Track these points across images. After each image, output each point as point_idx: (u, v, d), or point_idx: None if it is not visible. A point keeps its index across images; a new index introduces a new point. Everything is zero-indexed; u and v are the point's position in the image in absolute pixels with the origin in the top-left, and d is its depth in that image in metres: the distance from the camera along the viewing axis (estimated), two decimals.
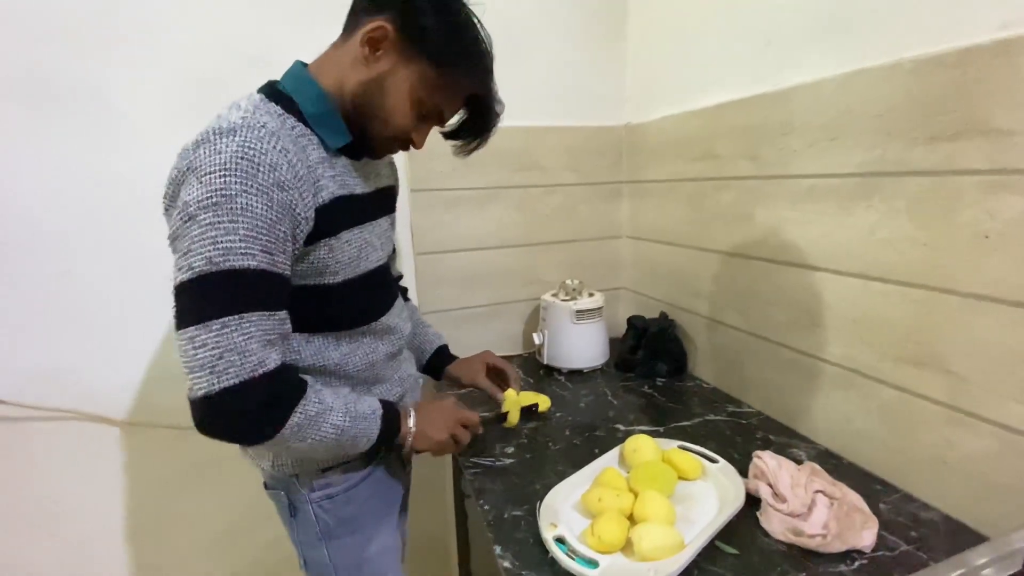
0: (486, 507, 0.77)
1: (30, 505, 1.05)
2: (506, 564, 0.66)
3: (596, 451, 0.89)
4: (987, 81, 0.63)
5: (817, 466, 0.78)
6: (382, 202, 0.81)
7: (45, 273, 0.99)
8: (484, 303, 1.36)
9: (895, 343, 0.76)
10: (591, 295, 1.28)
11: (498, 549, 0.69)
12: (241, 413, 0.58)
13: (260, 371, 0.58)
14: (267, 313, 0.59)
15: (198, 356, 0.56)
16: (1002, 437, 0.65)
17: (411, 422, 0.76)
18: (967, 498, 0.70)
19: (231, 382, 0.56)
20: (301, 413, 0.62)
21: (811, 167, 0.86)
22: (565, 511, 0.74)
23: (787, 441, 0.91)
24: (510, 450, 0.93)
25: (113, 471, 1.10)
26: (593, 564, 0.63)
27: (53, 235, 0.98)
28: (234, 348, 0.56)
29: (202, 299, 0.56)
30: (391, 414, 0.73)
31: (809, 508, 0.70)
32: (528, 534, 0.71)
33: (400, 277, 1.02)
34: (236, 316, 0.56)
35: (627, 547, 0.67)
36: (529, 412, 1.01)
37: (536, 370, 1.29)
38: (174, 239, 0.59)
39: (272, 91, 0.67)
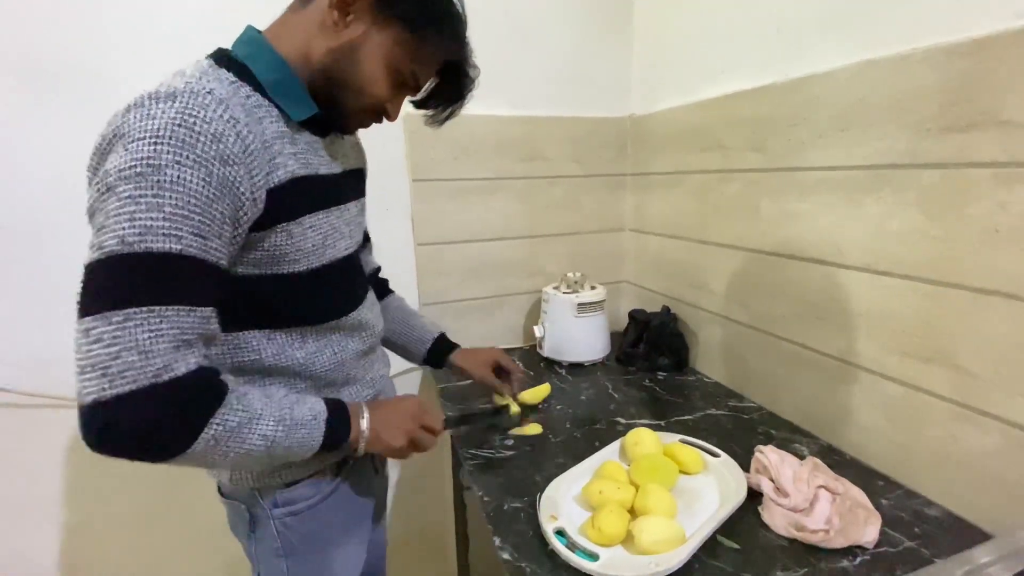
0: (486, 499, 0.77)
1: (30, 492, 1.05)
2: (505, 556, 0.65)
3: (597, 444, 0.88)
4: (1002, 71, 0.61)
5: (820, 461, 0.77)
6: (351, 185, 0.75)
7: (44, 260, 0.98)
8: (485, 295, 1.35)
9: (902, 338, 0.75)
10: (593, 288, 1.27)
11: (497, 540, 0.68)
12: (137, 427, 0.48)
13: (165, 376, 0.48)
14: (186, 308, 0.50)
15: (91, 353, 0.47)
16: (1009, 434, 0.64)
17: (364, 424, 0.66)
18: (972, 495, 0.69)
19: (125, 388, 0.47)
20: (219, 425, 0.52)
21: (820, 159, 0.84)
22: (565, 503, 0.74)
23: (789, 436, 0.91)
24: (510, 442, 0.92)
25: (113, 460, 1.09)
26: (593, 557, 0.63)
27: (53, 221, 0.97)
28: (135, 347, 0.47)
29: (105, 285, 0.48)
30: (337, 417, 0.64)
31: (811, 503, 0.70)
32: (528, 526, 0.70)
33: (378, 270, 0.99)
34: (144, 309, 0.48)
35: (628, 540, 0.66)
36: (527, 408, 1.01)
37: (536, 363, 1.28)
38: (91, 214, 0.51)
39: (222, 57, 0.59)
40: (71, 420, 1.04)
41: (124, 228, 0.47)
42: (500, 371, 1.00)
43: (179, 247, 0.49)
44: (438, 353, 0.98)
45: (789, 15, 0.89)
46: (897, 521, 0.69)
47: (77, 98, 0.95)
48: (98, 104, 0.96)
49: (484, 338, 1.36)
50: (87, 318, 0.48)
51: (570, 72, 1.31)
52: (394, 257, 1.25)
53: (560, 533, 0.66)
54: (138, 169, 0.48)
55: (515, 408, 0.98)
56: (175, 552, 1.18)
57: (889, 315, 0.76)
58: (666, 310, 1.25)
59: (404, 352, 0.99)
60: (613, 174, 1.41)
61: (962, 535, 0.66)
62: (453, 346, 1.00)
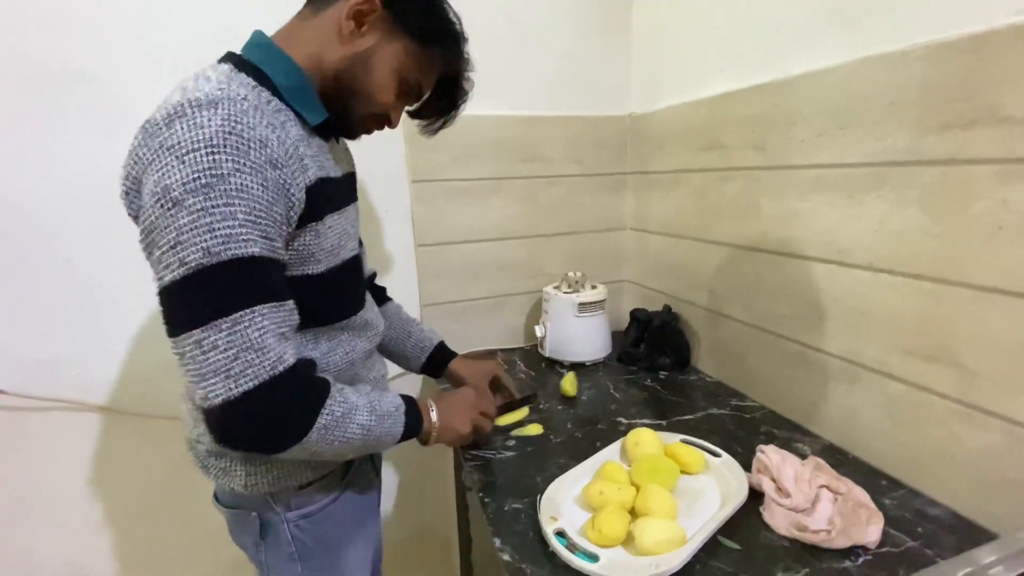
0: (486, 500, 0.77)
1: (31, 494, 1.06)
2: (506, 557, 0.65)
3: (598, 444, 0.88)
4: (1002, 68, 0.61)
5: (822, 461, 0.77)
6: (349, 188, 0.77)
7: (46, 263, 0.98)
8: (486, 295, 1.35)
9: (904, 336, 0.75)
10: (594, 287, 1.26)
11: (498, 542, 0.68)
12: (265, 417, 0.53)
13: (280, 368, 0.53)
14: (277, 304, 0.54)
15: (209, 361, 0.50)
16: (1013, 432, 0.64)
17: (434, 416, 0.74)
18: (975, 494, 0.68)
19: (251, 384, 0.51)
20: (328, 414, 0.57)
21: (819, 157, 0.84)
22: (566, 504, 0.74)
23: (791, 436, 0.90)
24: (511, 443, 0.92)
25: (114, 461, 1.10)
26: (594, 558, 0.62)
27: (53, 224, 0.97)
28: (249, 346, 0.51)
29: (204, 296, 0.50)
30: (413, 409, 0.71)
31: (813, 503, 0.69)
32: (528, 527, 0.70)
33: (373, 275, 0.99)
34: (247, 311, 0.51)
35: (628, 541, 0.66)
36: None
37: (538, 363, 1.28)
38: (150, 231, 0.51)
39: (239, 62, 0.60)
40: (73, 422, 1.06)
41: (206, 240, 0.49)
42: (495, 385, 0.99)
43: (256, 251, 0.52)
44: (437, 363, 0.99)
45: (788, 13, 0.88)
46: (900, 521, 0.69)
47: (80, 102, 0.95)
48: (101, 109, 0.97)
49: (485, 339, 1.36)
50: (195, 331, 0.50)
51: (569, 71, 1.30)
52: (395, 258, 1.25)
53: (560, 534, 0.66)
54: (203, 181, 0.49)
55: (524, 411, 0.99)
56: (180, 552, 1.19)
57: (891, 313, 0.76)
58: (667, 309, 1.24)
59: (403, 360, 0.99)
60: (613, 173, 1.41)
61: (966, 535, 0.66)
62: (452, 355, 1.00)
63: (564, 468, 0.80)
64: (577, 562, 0.62)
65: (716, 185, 1.09)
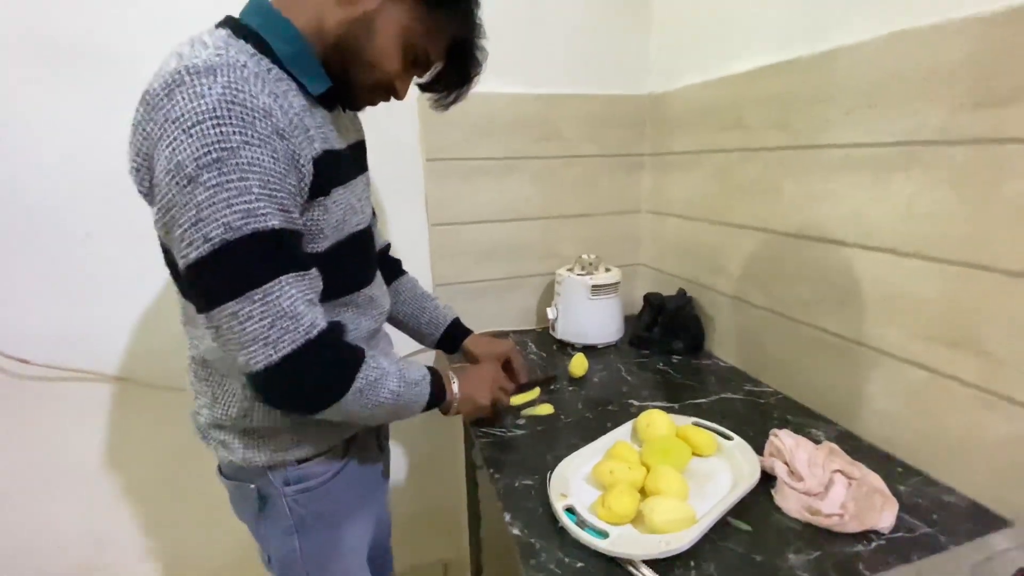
0: (497, 476, 0.77)
1: (52, 462, 1.09)
2: (516, 532, 0.66)
3: (608, 425, 0.88)
4: None
5: (836, 446, 0.76)
6: (357, 159, 0.75)
7: (68, 236, 1.00)
8: (499, 276, 1.35)
9: (928, 322, 0.73)
10: (607, 270, 1.25)
11: (508, 517, 0.68)
12: (305, 379, 0.56)
13: (315, 331, 0.55)
14: (301, 273, 0.56)
15: (247, 330, 0.52)
16: None
17: (455, 387, 0.76)
18: (993, 483, 0.67)
19: (289, 348, 0.54)
20: (363, 378, 0.60)
21: (846, 136, 0.81)
22: (576, 482, 0.74)
23: (805, 421, 0.89)
24: (521, 422, 0.92)
25: (133, 432, 1.13)
26: (603, 534, 0.63)
27: (73, 199, 0.99)
28: (284, 314, 0.53)
29: (232, 271, 0.51)
30: (438, 380, 0.73)
31: (826, 487, 0.69)
32: (538, 504, 0.71)
33: (388, 247, 0.98)
34: (275, 281, 0.53)
35: (637, 520, 0.66)
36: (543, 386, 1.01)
37: (549, 345, 1.28)
38: (168, 209, 0.51)
39: (236, 27, 0.58)
40: (94, 393, 1.08)
41: (226, 216, 0.50)
42: (508, 366, 0.98)
43: (276, 223, 0.53)
44: (452, 338, 0.98)
45: None
46: (914, 507, 0.68)
47: (94, 77, 0.96)
48: (116, 83, 0.97)
49: (498, 320, 1.36)
50: (230, 303, 0.52)
51: (587, 48, 1.27)
52: (408, 237, 1.25)
53: (570, 511, 0.66)
54: (214, 155, 0.49)
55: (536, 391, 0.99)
56: (199, 523, 1.22)
57: (915, 298, 0.74)
58: (682, 293, 1.23)
59: (417, 335, 0.99)
60: (631, 154, 1.38)
61: (982, 523, 0.65)
62: (467, 332, 1.00)
63: (574, 448, 0.80)
64: (586, 538, 0.62)
65: (737, 166, 1.06)
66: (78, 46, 0.93)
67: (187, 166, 0.49)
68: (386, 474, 0.90)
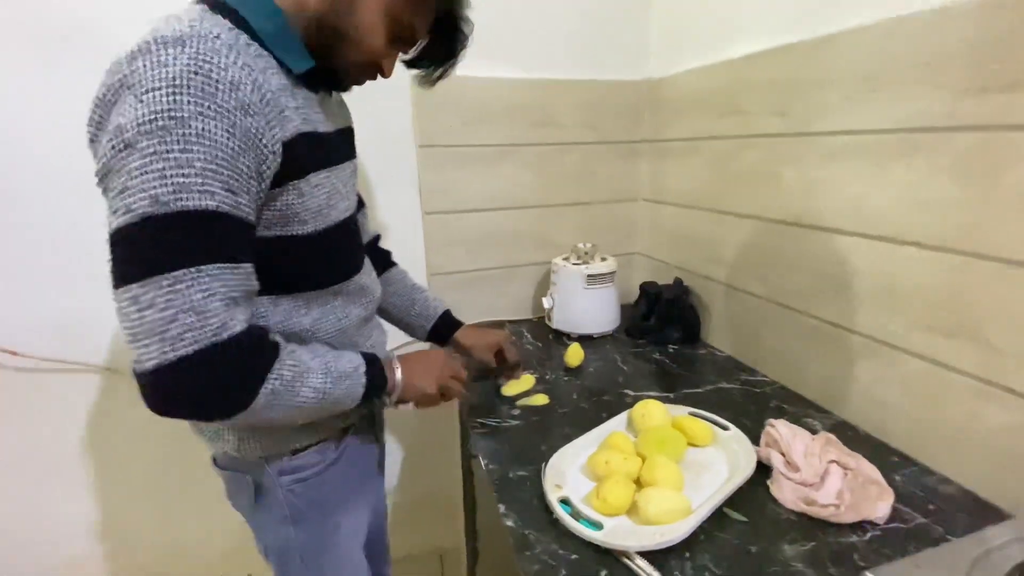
0: (491, 467, 0.77)
1: (47, 455, 1.08)
2: (510, 523, 0.66)
3: (604, 415, 0.88)
4: None
5: (832, 436, 0.75)
6: (344, 144, 0.72)
7: (59, 224, 0.98)
8: (494, 266, 1.33)
9: (927, 312, 0.72)
10: (603, 259, 1.24)
11: (502, 508, 0.68)
12: (203, 387, 0.49)
13: (224, 335, 0.49)
14: (231, 266, 0.50)
15: (145, 319, 0.46)
16: None
17: (398, 375, 0.70)
18: (991, 473, 0.67)
19: (188, 349, 0.47)
20: (276, 379, 0.54)
21: (846, 123, 0.80)
22: (571, 473, 0.73)
23: (802, 411, 0.89)
24: (516, 412, 0.92)
25: (127, 423, 1.12)
26: (597, 526, 0.62)
27: (67, 185, 0.96)
28: (191, 308, 0.47)
29: (146, 249, 0.46)
30: (375, 368, 0.67)
31: (822, 478, 0.68)
32: (533, 494, 0.70)
33: (377, 238, 0.96)
34: (193, 269, 0.47)
35: (632, 510, 0.65)
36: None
37: (545, 335, 1.27)
38: (105, 174, 0.48)
39: (213, 3, 0.55)
40: (87, 384, 1.07)
41: (155, 187, 0.45)
42: (501, 356, 0.97)
43: (214, 204, 0.48)
44: (443, 331, 0.96)
45: None
46: (911, 498, 0.68)
47: (87, 59, 0.92)
48: (104, 64, 0.95)
49: (493, 310, 1.35)
50: (133, 285, 0.46)
51: (585, 33, 1.25)
52: (401, 226, 1.23)
53: (564, 502, 0.66)
54: (160, 123, 0.45)
55: (509, 391, 0.97)
56: (194, 514, 1.22)
57: (914, 288, 0.73)
58: (679, 283, 1.22)
59: (407, 327, 0.97)
60: (628, 141, 1.36)
61: (978, 514, 0.65)
62: (458, 323, 0.98)
63: (569, 438, 0.79)
64: (581, 529, 0.62)
65: (735, 153, 1.05)
66: (64, 26, 0.90)
67: (128, 130, 0.46)
68: (382, 463, 0.90)
